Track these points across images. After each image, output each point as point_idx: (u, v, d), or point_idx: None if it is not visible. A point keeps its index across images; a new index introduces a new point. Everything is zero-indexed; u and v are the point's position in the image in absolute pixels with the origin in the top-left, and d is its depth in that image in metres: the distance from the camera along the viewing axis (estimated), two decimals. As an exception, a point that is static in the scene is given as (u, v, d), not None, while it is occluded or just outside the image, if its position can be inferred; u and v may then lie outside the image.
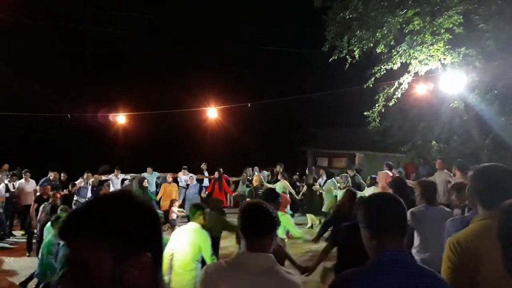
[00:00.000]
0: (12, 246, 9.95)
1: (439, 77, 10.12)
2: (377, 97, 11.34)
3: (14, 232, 10.96)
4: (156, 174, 13.18)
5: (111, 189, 12.11)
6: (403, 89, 10.57)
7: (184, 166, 13.58)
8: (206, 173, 14.02)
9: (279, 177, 12.18)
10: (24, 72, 22.37)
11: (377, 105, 11.33)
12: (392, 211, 1.73)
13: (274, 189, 5.48)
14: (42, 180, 11.33)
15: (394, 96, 10.76)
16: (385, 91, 11.13)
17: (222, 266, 1.97)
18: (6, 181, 10.97)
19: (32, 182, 11.05)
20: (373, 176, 10.60)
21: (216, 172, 13.01)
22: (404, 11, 9.44)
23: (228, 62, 27.23)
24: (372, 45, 10.35)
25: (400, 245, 1.70)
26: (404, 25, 9.67)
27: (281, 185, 11.33)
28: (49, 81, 23.21)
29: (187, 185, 12.83)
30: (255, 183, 11.02)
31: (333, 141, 23.74)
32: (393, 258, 1.65)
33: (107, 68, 27.88)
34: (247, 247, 1.98)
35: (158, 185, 13.08)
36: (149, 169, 13.09)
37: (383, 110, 11.46)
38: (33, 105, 18.39)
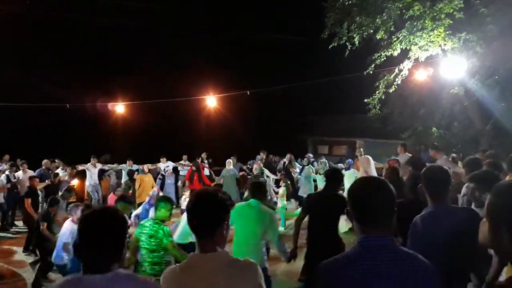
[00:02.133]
0: (15, 236, 10.00)
1: (439, 62, 10.05)
2: (377, 83, 11.32)
3: (16, 222, 11.00)
4: (135, 167, 12.60)
5: (88, 179, 11.94)
6: (403, 75, 10.53)
7: (162, 155, 13.26)
8: (206, 163, 13.86)
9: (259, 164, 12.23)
10: (23, 62, 22.30)
11: (377, 92, 11.31)
12: (374, 197, 1.70)
13: (338, 170, 5.43)
14: (37, 170, 11.36)
15: (395, 83, 10.73)
16: (386, 77, 11.09)
17: (175, 271, 1.91)
18: (7, 172, 11.00)
19: (30, 172, 11.05)
20: (349, 160, 11.26)
21: (193, 163, 12.51)
22: (404, -4, 9.37)
23: (227, 49, 27.11)
24: (372, 31, 10.31)
25: (383, 230, 1.68)
26: (404, 11, 9.60)
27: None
28: (48, 71, 23.16)
29: (162, 175, 12.53)
30: (255, 171, 11.03)
31: (334, 129, 23.76)
32: (375, 244, 1.65)
33: (105, 57, 27.76)
34: (199, 248, 1.92)
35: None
36: (129, 162, 12.62)
37: (383, 97, 11.44)
38: (33, 95, 18.34)
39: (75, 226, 5.75)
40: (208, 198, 1.94)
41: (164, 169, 12.79)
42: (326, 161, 12.45)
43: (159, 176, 12.69)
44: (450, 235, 2.62)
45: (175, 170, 13.46)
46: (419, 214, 2.86)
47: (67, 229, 5.85)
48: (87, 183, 11.98)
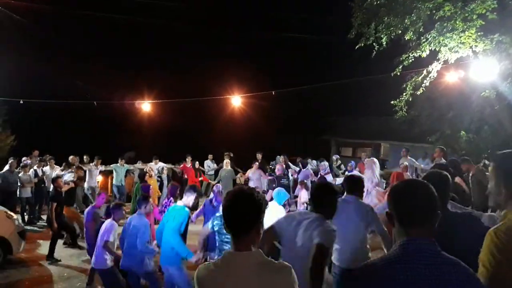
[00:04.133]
0: (41, 230, 10.26)
1: (469, 65, 9.77)
2: (404, 85, 11.10)
3: (42, 216, 11.27)
4: (127, 167, 12.75)
5: (88, 180, 11.68)
6: (431, 77, 10.28)
7: (155, 156, 13.07)
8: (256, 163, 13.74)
9: (254, 165, 12.34)
10: (53, 60, 22.87)
11: (404, 93, 11.09)
12: (417, 200, 1.69)
13: (360, 178, 5.19)
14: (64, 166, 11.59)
15: (423, 85, 10.49)
16: (413, 79, 10.87)
17: (210, 268, 1.91)
18: (35, 167, 11.28)
19: (57, 168, 11.29)
20: (352, 162, 11.68)
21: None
22: (435, -4, 9.12)
23: (252, 49, 27.17)
24: (400, 32, 10.08)
25: (425, 233, 1.66)
26: (434, 11, 9.34)
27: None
28: (77, 69, 23.69)
29: (159, 177, 12.33)
30: (277, 172, 11.00)
31: (358, 131, 23.45)
32: (417, 247, 1.63)
33: (132, 56, 28.22)
34: (234, 246, 1.93)
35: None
36: (121, 161, 12.58)
37: (410, 99, 11.20)
38: (62, 92, 18.79)
39: (116, 225, 5.72)
40: (245, 197, 1.94)
41: (158, 170, 12.64)
42: (327, 163, 12.50)
43: (157, 178, 12.28)
44: (454, 242, 2.54)
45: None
46: None
47: (108, 228, 5.64)
48: (85, 184, 11.66)
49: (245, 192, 1.96)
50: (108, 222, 5.78)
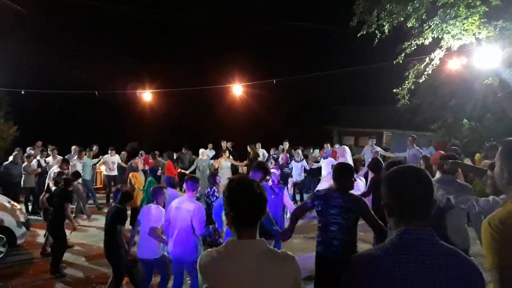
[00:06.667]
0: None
1: (472, 52, 9.66)
2: (407, 73, 11.01)
3: (46, 206, 11.30)
4: (95, 160, 12.34)
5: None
6: (434, 65, 10.19)
7: (111, 147, 12.56)
8: (226, 152, 13.70)
9: (224, 154, 12.67)
10: (55, 50, 22.81)
11: (406, 81, 11.00)
12: (413, 188, 1.63)
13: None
14: (66, 156, 11.60)
15: (425, 73, 10.40)
16: (415, 67, 10.77)
17: (213, 256, 1.89)
18: (38, 157, 11.34)
19: (60, 158, 11.29)
20: (328, 150, 12.02)
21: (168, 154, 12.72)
22: (438, -18, 9.00)
23: (254, 38, 27.01)
24: (402, 19, 9.96)
25: (422, 223, 1.61)
26: (437, -2, 9.24)
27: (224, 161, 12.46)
28: (78, 59, 23.64)
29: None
30: (281, 161, 11.01)
31: (360, 119, 23.42)
32: (414, 237, 1.58)
33: (134, 45, 28.10)
34: (237, 235, 1.89)
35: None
36: (89, 153, 12.12)
37: (413, 87, 11.13)
38: (64, 83, 18.76)
39: (163, 211, 5.47)
40: (254, 191, 1.90)
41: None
42: (300, 151, 12.71)
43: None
44: None
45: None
46: None
47: (155, 214, 5.39)
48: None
49: (253, 186, 1.92)
50: (153, 207, 5.52)
